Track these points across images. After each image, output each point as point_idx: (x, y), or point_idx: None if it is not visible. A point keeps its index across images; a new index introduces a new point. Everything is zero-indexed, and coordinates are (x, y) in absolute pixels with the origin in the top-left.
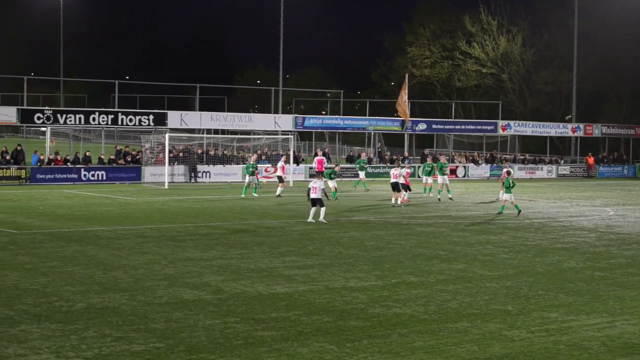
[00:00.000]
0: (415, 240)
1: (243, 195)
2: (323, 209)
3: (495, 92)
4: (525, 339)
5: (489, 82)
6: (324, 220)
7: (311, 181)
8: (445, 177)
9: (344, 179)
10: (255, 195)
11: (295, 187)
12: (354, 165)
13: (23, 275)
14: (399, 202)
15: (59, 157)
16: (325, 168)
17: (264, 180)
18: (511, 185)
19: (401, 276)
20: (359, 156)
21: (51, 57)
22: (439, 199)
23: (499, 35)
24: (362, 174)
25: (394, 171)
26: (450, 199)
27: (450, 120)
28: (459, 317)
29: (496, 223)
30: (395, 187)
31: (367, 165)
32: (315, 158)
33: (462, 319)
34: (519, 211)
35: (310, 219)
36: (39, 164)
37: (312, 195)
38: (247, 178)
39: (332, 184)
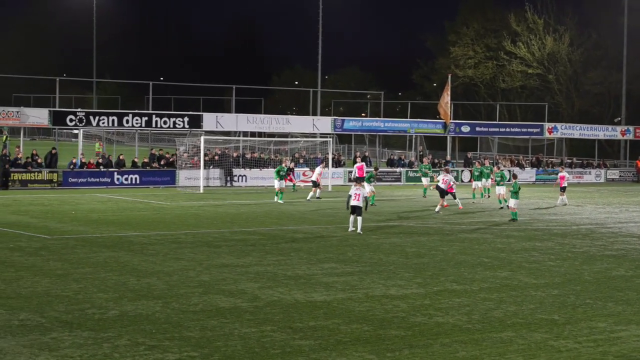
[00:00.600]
0: (459, 247)
1: (281, 202)
2: (360, 219)
3: (541, 93)
4: (572, 349)
5: (535, 83)
6: (360, 232)
7: (352, 188)
8: (489, 181)
9: (382, 183)
10: (281, 202)
11: (334, 192)
12: (395, 170)
13: (55, 281)
14: (437, 209)
15: (91, 161)
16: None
17: (302, 184)
18: (517, 189)
19: (443, 284)
20: (422, 161)
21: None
22: (501, 207)
23: (545, 35)
24: (425, 180)
25: (442, 177)
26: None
27: (495, 122)
28: (503, 326)
29: (542, 229)
30: (442, 192)
31: (430, 171)
32: (355, 165)
33: (507, 328)
34: (514, 219)
35: (350, 228)
36: (71, 167)
37: (353, 203)
38: (277, 183)
39: (369, 188)
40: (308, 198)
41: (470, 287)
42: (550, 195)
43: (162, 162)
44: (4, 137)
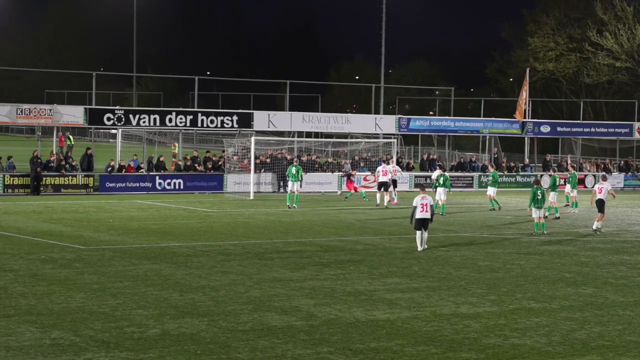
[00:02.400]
0: (537, 260)
1: (295, 206)
2: (426, 234)
3: (630, 89)
4: None
5: (624, 77)
6: (425, 246)
7: (416, 197)
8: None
9: (452, 189)
10: (295, 206)
11: (398, 198)
12: (468, 175)
13: (90, 296)
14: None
15: (130, 164)
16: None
17: (363, 189)
18: (539, 198)
19: (520, 301)
20: (496, 165)
21: (123, 51)
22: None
23: (635, 24)
24: (492, 190)
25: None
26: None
27: (578, 122)
28: (587, 349)
29: (631, 241)
30: (601, 206)
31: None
32: (380, 169)
33: (591, 351)
34: (542, 231)
35: (419, 247)
36: (109, 170)
37: (420, 215)
38: (290, 185)
39: (441, 196)
40: (383, 203)
41: (550, 306)
42: None
43: (208, 165)
44: (69, 140)
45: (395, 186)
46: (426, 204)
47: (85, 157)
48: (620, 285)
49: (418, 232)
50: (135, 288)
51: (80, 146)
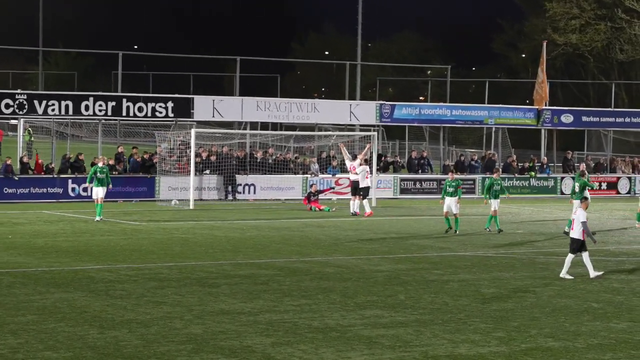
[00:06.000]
0: (557, 287)
1: (98, 219)
2: (586, 256)
3: None
4: None
5: None
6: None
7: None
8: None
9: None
10: (98, 218)
11: (379, 207)
12: (468, 177)
13: None
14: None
15: (39, 162)
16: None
17: (334, 197)
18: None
19: (535, 339)
20: (576, 170)
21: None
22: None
23: None
24: (495, 203)
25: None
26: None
27: (609, 110)
28: None
29: None
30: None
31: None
32: (351, 166)
33: None
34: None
35: (565, 274)
36: (7, 172)
37: (575, 235)
38: (96, 191)
39: (495, 204)
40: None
41: (574, 344)
42: None
43: (135, 166)
44: (27, 136)
45: (366, 193)
46: (574, 219)
47: None
48: None
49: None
50: (41, 323)
51: None
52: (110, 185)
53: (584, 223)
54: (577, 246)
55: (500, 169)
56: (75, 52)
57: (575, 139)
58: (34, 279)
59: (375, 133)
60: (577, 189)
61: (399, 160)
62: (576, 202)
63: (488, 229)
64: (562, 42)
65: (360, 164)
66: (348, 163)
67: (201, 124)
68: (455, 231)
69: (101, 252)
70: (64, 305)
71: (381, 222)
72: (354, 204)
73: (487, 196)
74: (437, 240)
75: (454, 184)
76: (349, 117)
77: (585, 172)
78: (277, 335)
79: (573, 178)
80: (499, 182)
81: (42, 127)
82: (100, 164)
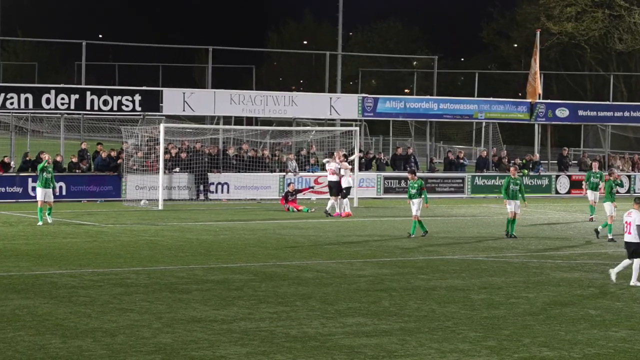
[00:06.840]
0: (552, 292)
1: (41, 223)
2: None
3: None
4: None
5: None
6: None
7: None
8: (596, 194)
9: (436, 195)
10: (41, 223)
11: (361, 208)
12: (456, 176)
13: None
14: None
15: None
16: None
17: (314, 197)
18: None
19: (528, 349)
20: (591, 167)
21: None
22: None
23: None
24: (513, 207)
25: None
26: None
27: (607, 103)
28: None
29: None
30: None
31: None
32: (327, 165)
33: None
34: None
35: (613, 277)
36: None
37: (629, 238)
38: (40, 192)
39: (512, 206)
40: (327, 208)
41: (570, 354)
42: None
43: (100, 163)
44: None
45: (347, 192)
46: (630, 222)
47: None
48: None
49: (626, 261)
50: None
51: None
52: (56, 189)
53: (639, 227)
54: (636, 249)
55: (517, 166)
56: (35, 41)
57: (571, 135)
58: None
59: (358, 128)
60: (601, 188)
61: (383, 157)
62: (607, 205)
63: (513, 235)
64: (556, 31)
65: (341, 161)
66: (333, 165)
67: (171, 118)
68: (410, 234)
69: (63, 255)
70: (23, 313)
71: (364, 224)
72: (336, 204)
73: (506, 197)
74: (423, 243)
75: (415, 185)
76: (329, 111)
77: (614, 170)
78: (253, 344)
79: (588, 177)
80: (517, 181)
81: (0, 121)
82: (46, 159)
